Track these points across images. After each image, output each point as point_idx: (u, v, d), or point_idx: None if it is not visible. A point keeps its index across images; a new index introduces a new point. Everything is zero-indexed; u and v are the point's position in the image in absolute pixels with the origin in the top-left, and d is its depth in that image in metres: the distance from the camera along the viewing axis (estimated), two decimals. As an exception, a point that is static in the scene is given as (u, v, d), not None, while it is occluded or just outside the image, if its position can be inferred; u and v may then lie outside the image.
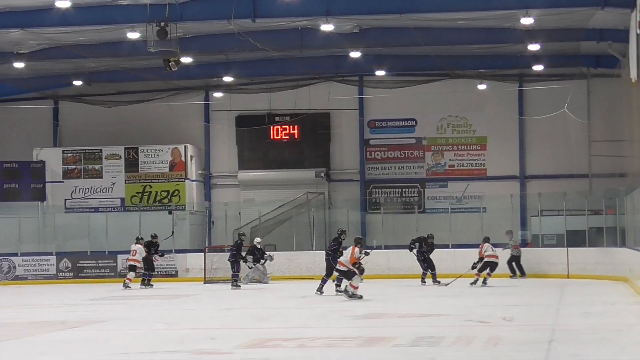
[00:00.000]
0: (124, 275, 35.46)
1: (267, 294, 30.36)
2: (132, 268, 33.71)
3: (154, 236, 35.01)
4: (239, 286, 32.50)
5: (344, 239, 28.92)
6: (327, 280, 28.08)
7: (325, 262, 28.88)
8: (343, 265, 25.83)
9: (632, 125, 31.04)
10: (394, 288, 30.84)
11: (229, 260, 33.49)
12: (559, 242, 36.77)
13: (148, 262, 34.14)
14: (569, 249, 35.25)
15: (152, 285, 33.77)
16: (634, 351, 14.52)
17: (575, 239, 36.01)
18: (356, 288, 25.48)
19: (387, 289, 30.17)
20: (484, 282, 30.33)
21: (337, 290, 27.11)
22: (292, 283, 34.77)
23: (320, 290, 27.80)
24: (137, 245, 33.83)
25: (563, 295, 25.88)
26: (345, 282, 26.20)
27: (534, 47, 35.56)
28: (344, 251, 26.75)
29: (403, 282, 33.28)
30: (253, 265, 34.59)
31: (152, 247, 34.41)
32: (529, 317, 20.22)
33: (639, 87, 27.21)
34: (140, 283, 33.99)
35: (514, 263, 34.69)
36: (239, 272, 33.14)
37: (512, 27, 33.18)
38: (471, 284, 30.51)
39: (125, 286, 33.04)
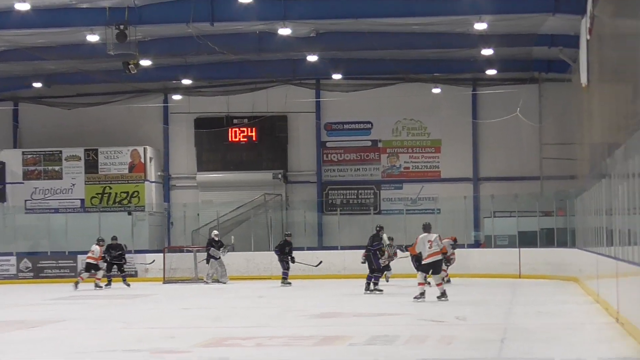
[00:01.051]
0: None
1: (225, 293, 30.31)
2: (91, 267, 33.59)
3: (115, 238, 34.97)
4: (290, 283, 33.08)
5: (382, 235, 29.04)
6: (375, 277, 28.13)
7: (365, 260, 28.61)
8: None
9: (582, 129, 31.20)
10: (349, 288, 30.82)
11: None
12: (511, 242, 36.94)
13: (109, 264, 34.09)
14: (521, 249, 35.42)
15: (129, 285, 33.80)
16: (584, 349, 14.59)
17: (526, 239, 36.17)
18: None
19: (343, 289, 30.17)
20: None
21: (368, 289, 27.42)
22: (249, 283, 34.72)
23: (369, 289, 27.86)
24: (96, 246, 33.70)
25: (515, 294, 25.98)
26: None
27: (487, 51, 35.70)
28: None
29: (358, 282, 33.24)
30: (213, 259, 34.61)
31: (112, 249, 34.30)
32: (481, 317, 20.28)
33: (589, 91, 27.34)
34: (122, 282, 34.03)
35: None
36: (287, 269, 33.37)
37: (466, 32, 33.29)
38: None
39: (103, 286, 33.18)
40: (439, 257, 24.16)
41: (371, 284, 27.83)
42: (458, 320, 19.33)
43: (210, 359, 13.74)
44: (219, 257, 34.75)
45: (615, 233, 18.58)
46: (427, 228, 24.58)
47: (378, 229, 29.22)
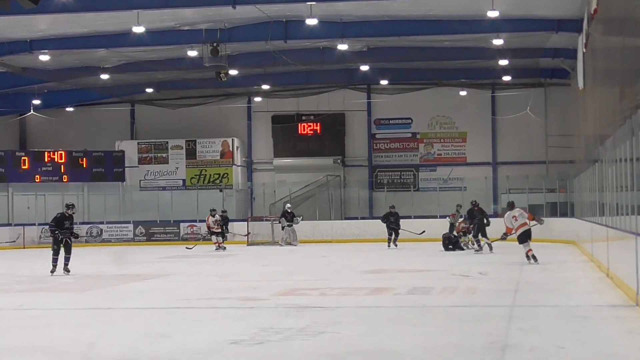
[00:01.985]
0: (186, 239, 35.74)
1: (296, 254, 30.39)
2: (216, 233, 33.90)
3: (224, 211, 35.66)
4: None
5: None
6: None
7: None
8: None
9: (579, 123, 30.90)
10: (395, 250, 30.80)
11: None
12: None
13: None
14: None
15: (224, 248, 33.73)
16: (580, 298, 14.52)
17: (535, 211, 35.86)
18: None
19: (389, 251, 30.17)
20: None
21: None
22: (314, 245, 34.81)
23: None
24: (216, 216, 33.99)
25: (525, 255, 25.83)
26: None
27: (503, 62, 35.46)
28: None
29: (402, 245, 33.21)
30: (287, 226, 34.78)
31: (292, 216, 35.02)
32: (499, 272, 20.21)
33: (585, 94, 27.09)
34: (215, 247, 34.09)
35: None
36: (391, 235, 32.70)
37: (486, 47, 33.06)
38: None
39: (222, 248, 33.39)
40: (527, 227, 22.36)
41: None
42: (481, 275, 19.29)
43: (284, 305, 13.81)
44: (291, 225, 34.87)
45: (606, 206, 18.44)
46: (510, 205, 23.29)
47: (473, 204, 28.64)
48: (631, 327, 10.85)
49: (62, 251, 21.71)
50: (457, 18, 29.43)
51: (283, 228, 35.13)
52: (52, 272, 21.38)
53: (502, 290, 15.69)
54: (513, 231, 22.62)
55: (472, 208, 28.60)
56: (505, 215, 23.29)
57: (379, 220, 33.10)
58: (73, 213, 22.12)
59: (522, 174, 39.43)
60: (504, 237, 23.49)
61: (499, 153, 42.75)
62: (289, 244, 35.03)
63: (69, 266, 21.62)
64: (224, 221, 34.63)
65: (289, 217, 35.14)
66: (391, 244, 31.72)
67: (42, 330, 11.72)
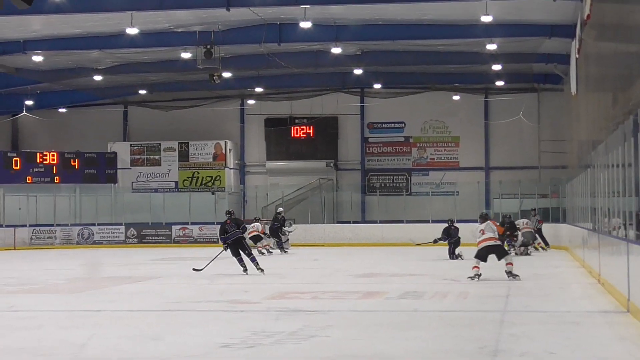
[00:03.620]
0: (178, 242, 35.73)
1: (287, 257, 30.38)
2: (257, 238, 32.32)
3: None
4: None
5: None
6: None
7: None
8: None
9: (572, 129, 30.96)
10: (386, 254, 30.81)
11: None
12: (515, 218, 36.59)
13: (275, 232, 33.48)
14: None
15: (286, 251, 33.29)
16: (571, 304, 14.54)
17: (527, 216, 35.90)
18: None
19: (382, 255, 30.17)
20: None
21: None
22: (307, 249, 34.77)
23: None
24: (257, 223, 32.91)
25: (517, 260, 25.81)
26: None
27: (496, 67, 35.55)
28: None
29: (393, 249, 33.24)
30: (285, 231, 34.04)
31: (282, 221, 33.76)
32: (491, 277, 20.20)
33: (578, 99, 27.14)
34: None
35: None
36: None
37: (480, 52, 33.12)
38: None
39: (268, 252, 32.24)
40: (491, 243, 19.80)
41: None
42: (472, 280, 19.28)
43: (276, 308, 13.80)
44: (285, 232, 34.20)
45: (598, 211, 18.47)
46: (482, 217, 21.00)
47: (450, 223, 28.05)
48: (622, 333, 10.86)
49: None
50: (451, 23, 29.50)
51: (272, 234, 34.03)
52: None
53: (494, 295, 15.70)
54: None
55: (449, 226, 28.06)
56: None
57: (371, 224, 33.03)
58: None
59: (514, 179, 39.50)
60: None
61: (492, 158, 42.78)
62: (274, 249, 34.08)
63: None
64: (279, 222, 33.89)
65: (280, 223, 34.19)
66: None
67: (32, 331, 11.69)
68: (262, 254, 31.36)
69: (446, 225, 28.08)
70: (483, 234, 20.10)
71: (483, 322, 12.12)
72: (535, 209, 32.90)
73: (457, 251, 27.64)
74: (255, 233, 32.21)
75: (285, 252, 32.68)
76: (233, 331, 11.15)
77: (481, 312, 13.44)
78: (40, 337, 11.16)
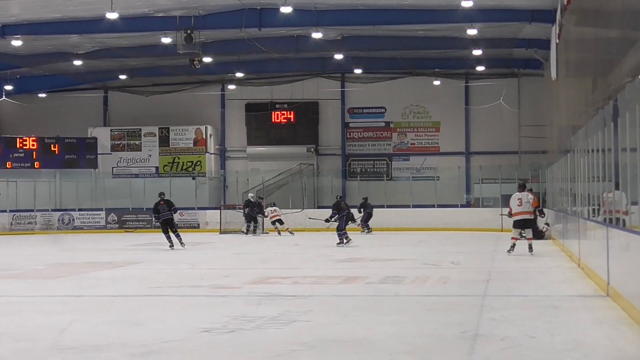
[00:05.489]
0: (158, 227, 35.63)
1: (268, 241, 30.37)
2: (280, 221, 34.54)
3: (261, 197, 36.43)
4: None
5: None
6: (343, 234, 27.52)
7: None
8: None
9: (552, 114, 31.06)
10: (367, 239, 30.83)
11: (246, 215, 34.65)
12: (495, 203, 36.82)
13: (250, 216, 34.74)
14: (503, 209, 35.21)
15: (257, 234, 34.63)
16: (552, 288, 14.59)
17: (507, 201, 35.97)
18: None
19: (362, 240, 30.19)
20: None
21: None
22: (287, 234, 34.72)
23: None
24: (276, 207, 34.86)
25: (497, 245, 25.94)
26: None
27: (477, 52, 35.59)
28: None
29: (375, 234, 33.27)
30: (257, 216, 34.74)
31: (259, 206, 34.99)
32: (471, 262, 20.29)
33: (558, 84, 27.21)
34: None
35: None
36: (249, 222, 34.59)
37: (460, 37, 33.12)
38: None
39: (291, 233, 34.11)
40: (527, 216, 21.59)
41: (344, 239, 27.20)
42: (453, 265, 19.36)
43: (257, 293, 13.79)
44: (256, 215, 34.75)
45: (578, 196, 18.54)
46: (521, 187, 22.27)
47: (339, 198, 29.11)
48: (601, 317, 10.91)
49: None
50: (431, 8, 29.48)
51: (247, 219, 34.81)
52: None
53: (474, 280, 15.74)
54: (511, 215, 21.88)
55: (339, 202, 28.63)
56: (513, 195, 22.31)
57: (352, 209, 33.00)
58: None
59: (495, 164, 39.60)
60: (509, 215, 22.29)
61: (472, 143, 42.88)
62: (253, 232, 34.80)
63: None
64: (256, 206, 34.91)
65: (255, 208, 34.76)
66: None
67: (12, 316, 11.65)
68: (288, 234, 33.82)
69: (335, 200, 28.90)
70: (521, 204, 21.53)
71: (463, 306, 12.15)
72: (531, 189, 32.10)
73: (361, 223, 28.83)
74: (278, 217, 34.41)
75: (259, 234, 34.38)
76: (214, 316, 11.14)
77: (462, 297, 13.48)
78: (21, 322, 11.12)
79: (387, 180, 42.25)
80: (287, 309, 11.71)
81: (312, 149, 43.62)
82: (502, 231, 33.23)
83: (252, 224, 34.85)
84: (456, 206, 38.24)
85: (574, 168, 19.25)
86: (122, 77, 42.22)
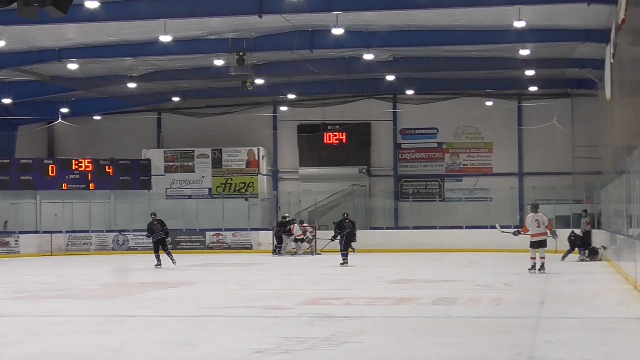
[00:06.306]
0: (211, 248, 36.25)
1: (319, 263, 30.33)
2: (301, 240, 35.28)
3: (285, 217, 36.77)
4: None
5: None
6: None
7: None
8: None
9: (606, 134, 30.77)
10: (420, 260, 30.71)
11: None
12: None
13: (278, 237, 35.58)
14: (556, 230, 34.88)
15: (281, 254, 35.14)
16: (607, 310, 14.40)
17: (561, 222, 35.69)
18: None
19: (414, 261, 30.07)
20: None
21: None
22: (339, 255, 34.62)
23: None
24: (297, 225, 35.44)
25: (551, 266, 25.66)
26: None
27: (530, 72, 35.40)
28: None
29: (427, 255, 33.14)
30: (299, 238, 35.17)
31: (284, 226, 35.62)
32: (524, 283, 20.09)
33: (612, 104, 26.94)
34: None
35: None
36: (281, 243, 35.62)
37: (513, 57, 32.99)
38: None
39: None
40: (545, 237, 22.75)
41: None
42: (506, 286, 19.19)
43: (309, 314, 13.77)
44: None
45: (633, 217, 18.31)
46: (534, 207, 23.45)
47: (344, 216, 29.41)
48: (658, 340, 10.74)
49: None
50: (484, 28, 29.38)
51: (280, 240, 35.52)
52: None
53: (528, 301, 15.58)
54: (529, 234, 22.86)
55: (343, 220, 28.87)
56: (529, 216, 23.31)
57: (404, 230, 33.01)
58: None
59: (548, 184, 39.30)
60: (516, 233, 23.97)
61: (525, 164, 42.58)
62: (294, 252, 35.37)
63: None
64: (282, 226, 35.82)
65: (284, 227, 35.52)
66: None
67: (68, 336, 11.74)
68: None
69: (341, 219, 29.19)
70: (539, 226, 22.60)
71: (517, 328, 12.02)
72: (586, 210, 31.97)
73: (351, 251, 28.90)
74: (302, 236, 35.31)
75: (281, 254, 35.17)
76: (266, 337, 11.14)
77: (515, 319, 13.33)
78: (75, 342, 11.21)
79: (439, 201, 42.08)
80: (339, 330, 11.67)
81: (364, 170, 43.59)
82: (556, 252, 32.88)
83: (281, 244, 35.64)
84: (509, 226, 37.89)
85: (629, 189, 19.02)
86: (175, 99, 42.57)
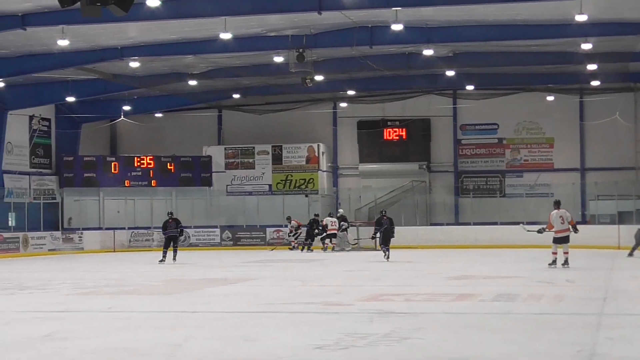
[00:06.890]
0: (272, 244, 36.55)
1: (379, 259, 30.24)
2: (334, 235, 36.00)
3: (317, 215, 37.65)
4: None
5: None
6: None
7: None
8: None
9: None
10: (479, 256, 30.51)
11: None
12: (612, 220, 36.11)
13: (310, 234, 36.53)
14: (620, 226, 34.51)
15: (312, 250, 35.73)
16: (672, 308, 14.19)
17: (624, 218, 35.27)
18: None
19: (475, 257, 29.89)
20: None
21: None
22: (399, 251, 34.53)
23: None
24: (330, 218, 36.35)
25: (614, 262, 25.35)
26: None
27: (591, 66, 34.99)
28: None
29: (487, 251, 32.89)
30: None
31: (315, 223, 36.54)
32: (587, 280, 19.84)
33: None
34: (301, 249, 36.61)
35: None
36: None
37: (574, 51, 32.63)
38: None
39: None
40: (568, 233, 22.95)
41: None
42: (568, 282, 18.98)
43: (369, 310, 13.74)
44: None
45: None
46: (557, 204, 23.58)
47: (382, 213, 29.46)
48: None
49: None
50: (545, 22, 29.08)
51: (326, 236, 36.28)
52: None
53: (590, 298, 15.38)
54: (553, 232, 22.98)
55: (381, 217, 29.04)
56: (553, 213, 23.25)
57: (464, 226, 32.81)
58: None
59: (611, 180, 38.82)
60: (541, 231, 24.08)
61: (587, 159, 42.11)
62: (342, 249, 35.68)
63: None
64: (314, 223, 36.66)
65: (316, 226, 36.30)
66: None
67: (129, 332, 11.85)
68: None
69: (379, 216, 29.65)
70: (563, 222, 22.79)
71: (579, 325, 11.87)
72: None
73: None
74: (334, 230, 36.02)
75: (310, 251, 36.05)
76: (326, 333, 11.13)
77: (577, 315, 13.18)
78: (137, 337, 11.31)
79: (500, 197, 41.79)
80: (398, 326, 11.62)
81: (424, 166, 43.44)
82: (619, 248, 32.49)
83: (308, 241, 36.63)
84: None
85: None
86: (236, 96, 42.80)
